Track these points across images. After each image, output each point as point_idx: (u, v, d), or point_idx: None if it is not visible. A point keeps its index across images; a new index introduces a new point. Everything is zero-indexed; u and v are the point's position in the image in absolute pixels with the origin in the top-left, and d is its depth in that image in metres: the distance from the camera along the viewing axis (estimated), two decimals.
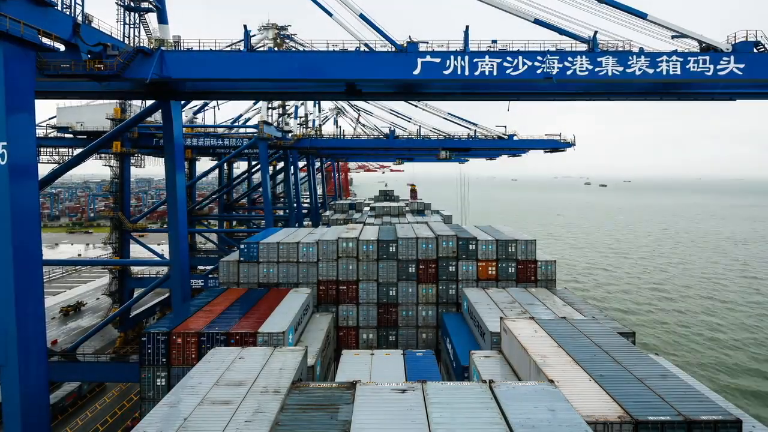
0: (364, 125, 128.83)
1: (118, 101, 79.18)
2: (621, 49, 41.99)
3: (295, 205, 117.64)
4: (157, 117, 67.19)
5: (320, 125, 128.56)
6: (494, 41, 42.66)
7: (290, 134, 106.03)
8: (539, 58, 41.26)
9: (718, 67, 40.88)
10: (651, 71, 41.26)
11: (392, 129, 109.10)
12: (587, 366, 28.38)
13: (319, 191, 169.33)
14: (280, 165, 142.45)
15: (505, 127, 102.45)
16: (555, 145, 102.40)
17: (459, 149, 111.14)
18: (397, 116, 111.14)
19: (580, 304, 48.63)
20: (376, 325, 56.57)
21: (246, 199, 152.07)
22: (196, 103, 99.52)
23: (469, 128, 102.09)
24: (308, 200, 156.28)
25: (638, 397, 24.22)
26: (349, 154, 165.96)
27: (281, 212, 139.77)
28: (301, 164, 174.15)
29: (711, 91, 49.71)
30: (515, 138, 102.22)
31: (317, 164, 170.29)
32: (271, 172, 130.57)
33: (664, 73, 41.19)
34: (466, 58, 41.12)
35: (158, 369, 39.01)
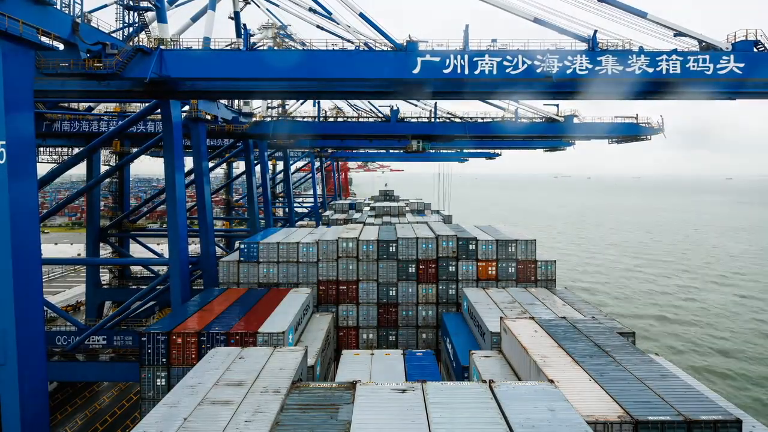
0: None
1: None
2: (621, 48, 41.94)
3: (261, 206, 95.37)
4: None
5: (281, 105, 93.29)
6: (494, 40, 42.60)
7: (252, 119, 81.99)
8: (539, 57, 41.20)
9: (718, 66, 40.83)
10: (651, 70, 41.22)
11: (395, 108, 79.74)
12: (587, 366, 28.34)
13: (319, 191, 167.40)
14: (280, 165, 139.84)
15: (557, 106, 73.90)
16: (634, 132, 75.40)
17: (493, 137, 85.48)
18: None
19: (580, 304, 48.60)
20: (376, 325, 56.51)
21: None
22: None
23: (503, 108, 76.38)
24: (282, 201, 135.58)
25: (638, 397, 24.18)
26: (336, 146, 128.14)
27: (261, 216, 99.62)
28: (300, 164, 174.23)
29: (711, 91, 49.63)
30: (576, 121, 75.13)
31: (317, 164, 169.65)
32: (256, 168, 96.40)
33: (664, 72, 41.14)
34: (466, 57, 41.03)
35: (158, 369, 38.97)
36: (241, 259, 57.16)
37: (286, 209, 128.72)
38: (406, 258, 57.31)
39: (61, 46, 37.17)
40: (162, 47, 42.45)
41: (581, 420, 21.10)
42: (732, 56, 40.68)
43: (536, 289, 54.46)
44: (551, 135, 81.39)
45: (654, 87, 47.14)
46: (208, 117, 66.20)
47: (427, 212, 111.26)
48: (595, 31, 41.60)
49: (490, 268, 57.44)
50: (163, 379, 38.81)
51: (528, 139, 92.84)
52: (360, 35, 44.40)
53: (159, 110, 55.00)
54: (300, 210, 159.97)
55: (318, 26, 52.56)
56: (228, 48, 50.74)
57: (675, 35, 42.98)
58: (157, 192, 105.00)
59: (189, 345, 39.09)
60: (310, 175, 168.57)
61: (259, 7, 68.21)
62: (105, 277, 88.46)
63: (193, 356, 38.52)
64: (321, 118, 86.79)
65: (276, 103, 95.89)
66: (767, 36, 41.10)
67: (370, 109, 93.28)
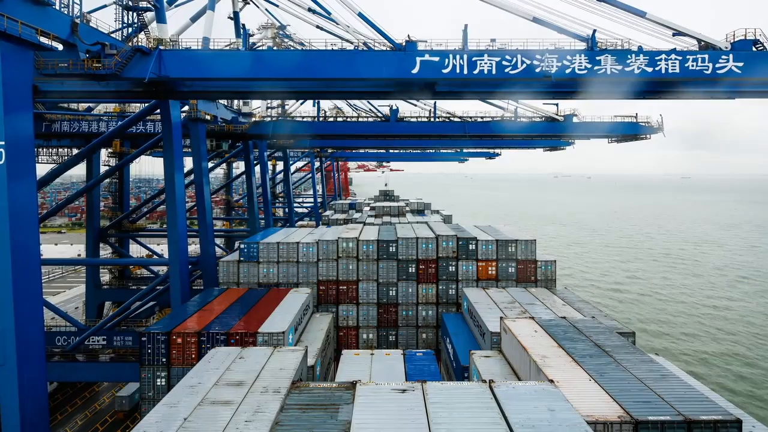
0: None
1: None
2: (620, 47, 41.91)
3: (261, 206, 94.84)
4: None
5: (281, 105, 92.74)
6: (493, 40, 42.56)
7: (252, 119, 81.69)
8: (538, 56, 41.16)
9: (717, 65, 40.80)
10: (650, 70, 41.20)
11: (394, 108, 78.47)
12: (587, 366, 28.32)
13: (319, 191, 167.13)
14: (280, 165, 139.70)
15: (557, 105, 73.79)
16: (633, 131, 75.37)
17: (493, 136, 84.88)
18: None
19: (580, 304, 48.57)
20: (376, 325, 56.51)
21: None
22: None
23: (503, 108, 76.49)
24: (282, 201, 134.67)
25: (638, 397, 24.16)
26: (337, 146, 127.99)
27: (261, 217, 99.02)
28: (300, 164, 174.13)
29: (710, 90, 49.63)
30: (575, 120, 74.88)
31: (317, 164, 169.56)
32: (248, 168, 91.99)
33: (663, 71, 41.11)
34: (465, 57, 41.00)
35: (158, 369, 38.96)
36: (241, 259, 57.15)
37: (286, 209, 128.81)
38: (406, 258, 57.29)
39: (60, 47, 37.14)
40: (161, 47, 42.43)
41: (581, 420, 21.09)
42: (731, 55, 40.65)
43: (536, 289, 54.45)
44: (551, 134, 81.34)
45: (653, 86, 47.16)
46: (208, 117, 66.41)
47: (427, 212, 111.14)
48: (594, 31, 41.56)
49: (490, 268, 57.42)
50: (163, 379, 38.80)
51: (528, 138, 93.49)
52: (359, 35, 44.36)
53: (158, 110, 55.01)
54: (300, 210, 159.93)
55: (317, 26, 52.51)
56: (227, 48, 50.73)
57: (674, 35, 42.94)
58: (157, 192, 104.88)
59: (189, 345, 39.08)
60: (310, 175, 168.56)
61: (258, 7, 68.24)
62: (105, 277, 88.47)
63: (193, 356, 38.51)
64: (321, 118, 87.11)
65: (276, 103, 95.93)
66: (766, 35, 41.08)
67: (370, 109, 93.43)
